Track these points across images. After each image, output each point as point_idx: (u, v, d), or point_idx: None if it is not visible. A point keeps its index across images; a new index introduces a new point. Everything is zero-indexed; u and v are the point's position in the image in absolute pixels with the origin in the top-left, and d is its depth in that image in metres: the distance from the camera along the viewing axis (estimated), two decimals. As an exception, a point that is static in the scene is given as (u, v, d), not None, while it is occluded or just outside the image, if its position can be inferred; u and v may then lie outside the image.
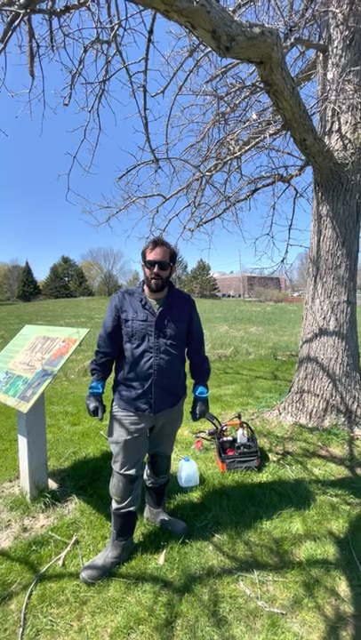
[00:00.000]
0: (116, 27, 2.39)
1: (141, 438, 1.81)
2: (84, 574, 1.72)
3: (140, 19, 2.37)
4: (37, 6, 1.99)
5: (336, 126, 3.26)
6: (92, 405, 1.78)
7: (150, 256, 1.74)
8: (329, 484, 2.58)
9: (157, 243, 1.75)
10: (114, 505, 1.82)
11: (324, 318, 3.44)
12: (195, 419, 1.93)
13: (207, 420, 3.26)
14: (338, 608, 1.59)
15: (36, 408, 2.23)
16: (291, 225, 4.05)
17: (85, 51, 2.59)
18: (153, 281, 1.74)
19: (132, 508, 1.81)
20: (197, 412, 1.92)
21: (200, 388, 1.94)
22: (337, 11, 3.01)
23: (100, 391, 1.85)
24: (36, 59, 2.38)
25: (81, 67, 2.65)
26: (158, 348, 1.75)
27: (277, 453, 3.01)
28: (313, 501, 2.34)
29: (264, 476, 2.66)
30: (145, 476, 2.10)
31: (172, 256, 1.79)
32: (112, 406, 1.86)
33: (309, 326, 3.58)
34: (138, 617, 1.52)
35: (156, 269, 1.72)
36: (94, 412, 1.78)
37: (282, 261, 4.10)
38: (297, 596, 1.64)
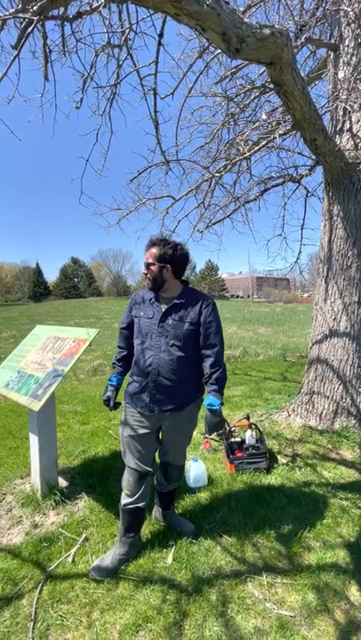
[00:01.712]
0: (127, 31, 2.42)
1: (145, 437, 1.80)
2: (92, 572, 1.74)
3: (151, 22, 2.39)
4: (50, 13, 2.02)
5: (347, 125, 3.22)
6: (105, 395, 1.95)
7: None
8: (339, 486, 2.55)
9: (147, 244, 1.82)
10: (123, 500, 1.83)
11: (334, 319, 3.40)
12: (206, 432, 1.79)
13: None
14: (348, 612, 1.57)
15: (47, 407, 2.27)
16: (303, 224, 4.02)
17: (97, 55, 2.63)
18: (145, 280, 1.83)
19: (140, 505, 1.82)
20: (206, 424, 1.78)
21: (209, 399, 1.76)
22: (348, 9, 2.97)
23: (114, 383, 1.97)
24: (49, 64, 2.43)
25: (92, 71, 2.70)
26: (159, 347, 1.75)
27: (286, 455, 2.99)
28: (323, 504, 2.32)
29: (273, 478, 2.64)
30: (155, 480, 2.10)
31: (161, 256, 1.75)
32: (123, 398, 1.94)
33: (319, 327, 3.55)
34: (146, 615, 1.54)
35: (144, 269, 1.82)
36: (106, 402, 1.94)
37: (296, 261, 4.07)
38: (306, 599, 1.63)
